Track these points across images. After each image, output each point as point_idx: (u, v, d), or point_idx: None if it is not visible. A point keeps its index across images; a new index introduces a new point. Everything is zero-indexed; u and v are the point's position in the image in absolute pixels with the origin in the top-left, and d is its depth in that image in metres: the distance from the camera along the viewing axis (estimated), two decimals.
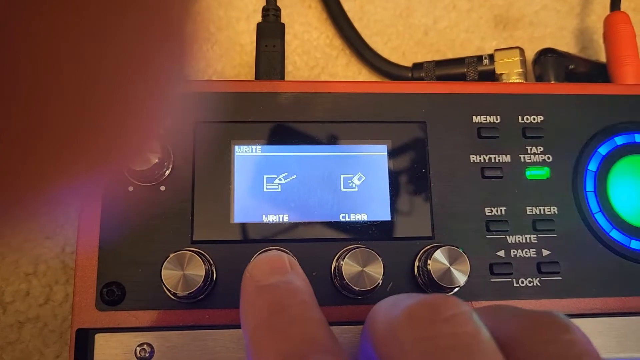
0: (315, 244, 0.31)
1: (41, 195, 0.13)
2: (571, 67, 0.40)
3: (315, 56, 0.44)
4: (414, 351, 0.19)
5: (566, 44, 0.46)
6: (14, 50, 0.10)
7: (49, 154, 0.12)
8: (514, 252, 0.32)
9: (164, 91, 0.14)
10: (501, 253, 0.32)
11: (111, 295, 0.29)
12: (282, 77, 0.37)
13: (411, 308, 0.20)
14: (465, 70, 0.40)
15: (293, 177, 0.32)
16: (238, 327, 0.29)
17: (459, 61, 0.40)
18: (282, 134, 0.33)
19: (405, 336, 0.20)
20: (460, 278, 0.29)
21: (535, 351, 0.20)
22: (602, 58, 0.42)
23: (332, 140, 0.33)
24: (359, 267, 0.29)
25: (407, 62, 0.43)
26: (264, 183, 0.32)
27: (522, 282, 0.32)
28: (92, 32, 0.11)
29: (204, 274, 0.28)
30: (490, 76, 0.40)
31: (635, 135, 0.34)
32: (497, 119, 0.34)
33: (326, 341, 0.21)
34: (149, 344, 0.29)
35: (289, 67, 0.43)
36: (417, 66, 0.41)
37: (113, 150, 0.14)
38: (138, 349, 0.29)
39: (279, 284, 0.23)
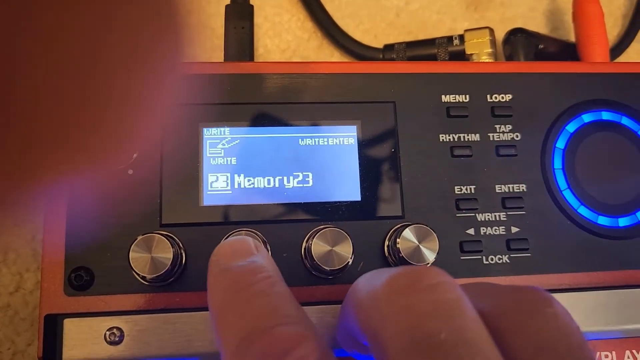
0: (285, 226, 0.31)
1: (40, 186, 0.13)
2: (541, 46, 0.40)
3: (286, 39, 0.44)
4: (395, 319, 0.19)
5: (537, 25, 0.47)
6: (12, 49, 0.10)
7: (48, 146, 0.12)
8: (483, 229, 0.32)
9: (164, 79, 0.14)
10: (471, 231, 0.32)
11: (79, 280, 0.29)
12: (252, 59, 0.36)
13: (392, 277, 0.20)
14: (436, 51, 0.40)
15: (262, 158, 0.32)
16: (207, 309, 0.29)
17: (430, 42, 0.40)
18: (251, 116, 0.32)
19: (386, 305, 0.20)
20: (430, 255, 0.29)
21: (517, 323, 0.20)
22: (573, 38, 0.42)
23: (302, 121, 0.33)
24: (328, 246, 0.29)
25: (379, 44, 0.43)
26: (233, 165, 0.32)
27: (492, 259, 0.32)
28: (91, 27, 0.11)
29: (172, 256, 0.28)
30: (461, 57, 0.40)
31: (603, 112, 0.35)
32: (466, 98, 0.34)
33: (291, 312, 0.21)
34: (118, 328, 0.29)
35: (260, 50, 0.43)
36: (388, 48, 0.41)
37: (119, 143, 0.14)
38: (107, 333, 0.28)
39: (242, 264, 0.23)
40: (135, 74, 0.13)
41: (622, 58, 0.45)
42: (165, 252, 0.28)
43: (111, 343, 0.28)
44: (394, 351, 0.19)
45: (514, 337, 0.19)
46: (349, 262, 0.29)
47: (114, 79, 0.12)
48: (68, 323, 0.28)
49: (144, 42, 0.13)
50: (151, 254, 0.28)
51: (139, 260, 0.28)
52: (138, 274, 0.28)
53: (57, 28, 0.11)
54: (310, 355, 0.20)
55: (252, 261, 0.24)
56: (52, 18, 0.11)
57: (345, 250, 0.29)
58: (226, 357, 0.21)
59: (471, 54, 0.39)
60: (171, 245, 0.28)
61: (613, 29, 0.47)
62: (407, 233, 0.29)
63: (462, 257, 0.32)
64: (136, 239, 0.28)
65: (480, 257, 0.32)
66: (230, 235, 0.30)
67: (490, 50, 0.39)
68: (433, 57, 0.40)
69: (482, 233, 0.32)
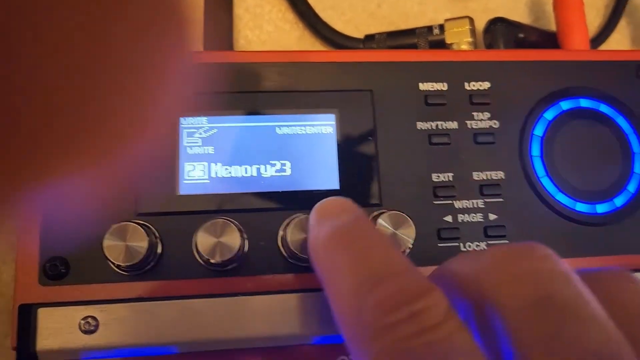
0: (263, 214, 0.31)
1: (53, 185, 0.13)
2: (521, 35, 0.40)
3: (267, 30, 0.43)
4: (513, 283, 0.20)
5: (520, 15, 0.47)
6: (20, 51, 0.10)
7: (58, 148, 0.12)
8: (461, 217, 0.32)
9: (176, 69, 0.14)
10: (448, 218, 0.32)
11: (54, 270, 0.29)
12: (231, 48, 0.36)
13: (504, 249, 0.22)
14: (416, 40, 0.40)
15: (240, 147, 0.32)
16: (184, 297, 0.29)
17: (410, 32, 0.40)
18: (229, 105, 0.32)
19: (501, 273, 0.20)
20: (406, 242, 0.29)
21: (612, 295, 0.21)
22: (554, 28, 0.42)
23: (280, 110, 0.33)
24: (303, 234, 0.29)
25: (361, 35, 0.43)
26: (210, 154, 0.32)
27: (470, 246, 0.32)
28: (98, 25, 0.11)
29: (147, 245, 0.28)
30: (441, 46, 0.40)
31: (581, 100, 0.35)
32: (444, 86, 0.34)
33: (411, 265, 0.22)
34: (93, 317, 0.28)
35: (240, 42, 0.43)
36: (369, 38, 0.41)
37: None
38: (82, 322, 0.28)
39: (352, 218, 0.24)
40: (147, 67, 0.13)
41: (603, 48, 0.46)
42: (139, 241, 0.28)
43: (86, 332, 0.28)
44: (512, 313, 0.19)
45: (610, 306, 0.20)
46: None
47: (124, 74, 0.12)
48: (42, 312, 0.28)
49: (152, 34, 0.13)
50: (126, 243, 0.28)
51: (113, 248, 0.28)
52: (113, 263, 0.28)
53: (60, 28, 0.11)
54: (439, 305, 0.20)
55: (360, 215, 0.24)
56: (55, 19, 0.11)
57: None
58: (342, 304, 0.21)
59: (451, 44, 0.39)
60: (146, 233, 0.28)
61: (595, 19, 0.47)
62: (383, 220, 0.29)
63: (439, 245, 0.32)
64: (111, 227, 0.28)
65: (457, 244, 0.32)
66: (205, 223, 0.29)
67: (470, 39, 0.39)
68: (413, 47, 0.40)
69: (459, 220, 0.32)
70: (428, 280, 0.21)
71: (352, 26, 0.44)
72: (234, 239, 0.28)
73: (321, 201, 0.26)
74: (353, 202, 0.25)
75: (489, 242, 0.32)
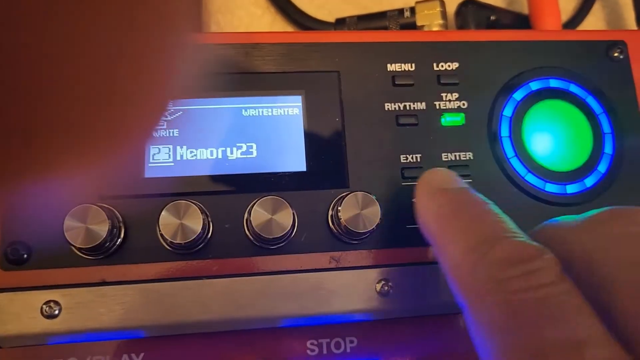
0: (228, 197, 0.31)
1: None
2: (493, 17, 0.40)
3: (239, 15, 0.43)
4: (620, 243, 0.22)
5: None
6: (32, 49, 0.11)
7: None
8: None
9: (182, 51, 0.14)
10: None
11: (15, 255, 0.29)
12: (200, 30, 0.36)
13: (607, 214, 0.23)
14: (387, 23, 0.40)
15: (205, 130, 0.32)
16: (147, 281, 0.29)
17: (381, 15, 0.40)
18: (194, 86, 0.32)
19: (607, 236, 0.22)
20: (371, 222, 0.29)
21: None
22: (527, 11, 0.42)
23: (246, 92, 0.32)
24: (268, 214, 0.29)
25: (334, 20, 0.43)
26: (175, 137, 0.31)
27: None
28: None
29: (108, 228, 0.28)
30: (412, 29, 0.39)
31: (550, 80, 0.35)
32: (411, 67, 0.33)
33: (513, 226, 0.23)
34: (55, 302, 0.28)
35: (212, 27, 0.42)
36: (340, 21, 0.41)
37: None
38: (44, 306, 0.28)
39: (462, 187, 0.26)
40: (157, 48, 0.13)
41: None
42: (100, 223, 0.28)
43: (48, 317, 0.28)
44: (619, 272, 0.21)
45: None
46: (289, 230, 0.29)
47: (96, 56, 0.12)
48: (3, 298, 0.28)
49: (164, 14, 0.13)
50: (86, 225, 0.27)
51: (74, 231, 0.27)
52: (74, 246, 0.28)
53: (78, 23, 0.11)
54: (551, 266, 0.21)
55: (466, 185, 0.27)
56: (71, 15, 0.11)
57: (286, 219, 0.29)
58: (457, 264, 0.23)
59: (422, 26, 0.39)
60: (107, 216, 0.28)
61: (569, 3, 0.47)
62: (349, 201, 0.29)
63: (407, 226, 0.31)
64: (71, 210, 0.28)
65: None
66: (168, 205, 0.29)
67: (441, 21, 0.39)
68: (385, 30, 0.40)
69: None
70: (540, 244, 0.22)
71: (326, 11, 0.44)
72: (196, 221, 0.28)
73: (426, 173, 0.28)
74: (456, 174, 0.28)
75: None
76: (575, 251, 0.23)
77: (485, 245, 0.22)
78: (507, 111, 0.34)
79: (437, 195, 0.26)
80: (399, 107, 0.33)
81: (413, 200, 0.28)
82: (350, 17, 0.41)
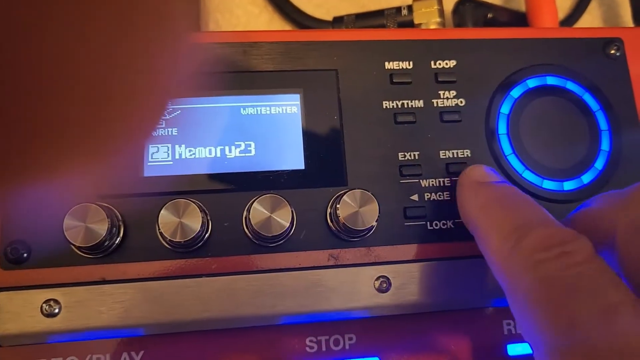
0: (227, 195, 0.31)
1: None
2: (490, 15, 0.40)
3: (237, 14, 0.43)
4: None
5: None
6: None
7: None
8: (427, 195, 0.32)
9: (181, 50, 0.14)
10: (415, 197, 0.32)
11: (15, 254, 0.29)
12: (198, 30, 0.36)
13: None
14: (385, 22, 0.40)
15: (204, 128, 0.32)
16: (147, 280, 0.29)
17: (378, 13, 0.40)
18: (193, 86, 0.32)
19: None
20: (369, 220, 0.29)
21: None
22: (524, 8, 0.42)
23: (244, 91, 0.32)
24: (267, 212, 0.29)
25: (331, 18, 0.43)
26: (174, 136, 0.31)
27: (437, 225, 0.32)
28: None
29: (107, 226, 0.28)
30: (410, 27, 0.39)
31: (547, 77, 0.35)
32: (409, 65, 0.34)
33: (549, 215, 0.26)
34: (55, 300, 0.28)
35: (210, 26, 0.42)
36: (338, 20, 0.41)
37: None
38: (44, 305, 0.28)
39: (501, 181, 0.29)
40: (156, 48, 0.13)
41: None
42: (100, 222, 0.28)
43: (48, 315, 0.28)
44: None
45: None
46: (288, 228, 0.29)
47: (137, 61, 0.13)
48: (3, 297, 0.28)
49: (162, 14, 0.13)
50: (85, 224, 0.28)
51: (73, 230, 0.27)
52: (74, 245, 0.28)
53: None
54: (586, 248, 0.23)
55: (505, 180, 0.30)
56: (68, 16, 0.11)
57: (284, 217, 0.29)
58: (498, 248, 0.25)
59: (419, 24, 0.39)
60: (107, 215, 0.28)
61: (565, 1, 0.47)
62: (347, 198, 0.29)
63: (406, 223, 0.31)
64: (71, 209, 0.28)
65: (424, 222, 0.32)
66: (167, 203, 0.29)
67: (438, 19, 0.39)
68: (382, 28, 0.40)
69: (426, 199, 0.32)
70: (574, 231, 0.24)
71: (323, 10, 0.44)
72: (195, 219, 0.28)
73: (468, 169, 0.30)
74: (495, 170, 0.31)
75: (457, 220, 0.32)
76: (619, 224, 0.25)
77: (521, 232, 0.25)
78: (505, 108, 0.34)
79: (479, 189, 0.29)
80: (397, 105, 0.33)
81: (456, 193, 0.31)
82: (348, 16, 0.41)
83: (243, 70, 0.32)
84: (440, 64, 0.34)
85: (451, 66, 0.34)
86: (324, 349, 0.31)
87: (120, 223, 0.29)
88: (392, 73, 0.33)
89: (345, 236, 0.30)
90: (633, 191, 0.26)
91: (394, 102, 0.33)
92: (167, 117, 0.32)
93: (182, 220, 0.28)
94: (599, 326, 0.21)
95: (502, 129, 0.34)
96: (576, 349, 0.21)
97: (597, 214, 0.27)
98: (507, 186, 0.29)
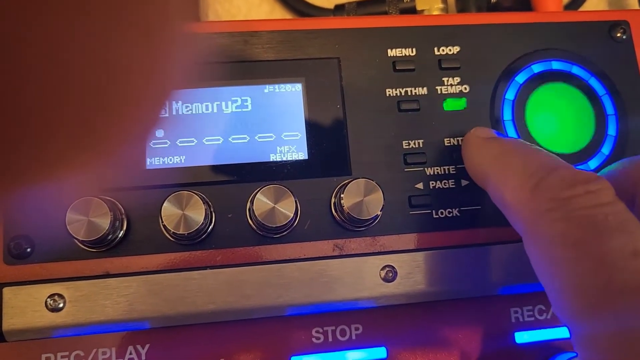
0: (230, 186, 0.31)
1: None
2: (493, 0, 0.39)
3: (237, 4, 0.43)
4: None
5: None
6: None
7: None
8: (432, 183, 0.32)
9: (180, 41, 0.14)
10: (420, 185, 0.32)
11: (19, 249, 0.29)
12: (197, 20, 0.35)
13: None
14: (387, 8, 0.39)
15: (208, 119, 0.31)
16: (151, 273, 0.29)
17: (380, 0, 0.40)
18: (194, 77, 0.32)
19: None
20: (374, 209, 0.29)
21: None
22: None
23: (247, 80, 0.32)
24: (270, 203, 0.28)
25: (332, 6, 0.42)
26: (178, 126, 0.31)
27: (442, 213, 0.31)
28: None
29: (110, 220, 0.28)
30: (412, 13, 0.39)
31: (553, 62, 0.34)
32: (412, 52, 0.33)
33: (564, 162, 0.25)
34: (59, 295, 0.28)
35: (210, 16, 0.42)
36: (339, 8, 0.40)
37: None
38: (49, 300, 0.28)
39: (505, 136, 0.30)
40: (153, 42, 0.13)
41: None
42: (102, 216, 0.27)
43: (52, 310, 0.28)
44: None
45: None
46: (292, 218, 0.29)
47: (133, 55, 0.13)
48: (7, 292, 0.28)
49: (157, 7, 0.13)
50: (88, 217, 0.27)
51: (76, 224, 0.27)
52: (77, 239, 0.28)
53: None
54: (610, 189, 0.23)
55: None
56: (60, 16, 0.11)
57: (288, 207, 0.29)
58: (517, 192, 0.25)
59: (422, 10, 0.38)
60: (109, 208, 0.28)
61: None
62: (351, 188, 0.29)
63: (411, 212, 0.31)
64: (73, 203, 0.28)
65: (429, 211, 0.31)
66: (170, 195, 0.29)
67: (441, 5, 0.38)
68: (384, 15, 0.39)
69: (431, 187, 0.32)
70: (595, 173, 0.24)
71: None
72: (199, 211, 0.28)
73: (472, 130, 0.30)
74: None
75: (462, 208, 0.31)
76: (628, 183, 0.25)
77: (544, 171, 0.24)
78: (510, 94, 0.33)
79: (490, 142, 0.28)
80: (400, 92, 0.32)
81: (461, 153, 0.30)
82: (349, 3, 0.40)
83: (244, 60, 0.32)
84: (443, 50, 0.33)
85: (455, 52, 0.33)
86: (330, 339, 0.31)
87: (123, 216, 0.29)
88: (395, 60, 0.33)
89: (350, 226, 0.30)
90: None
91: (398, 89, 0.33)
92: (170, 109, 0.31)
93: (186, 213, 0.28)
94: (631, 265, 0.21)
95: (507, 115, 0.33)
96: (608, 287, 0.21)
97: (621, 174, 0.27)
98: (520, 139, 0.29)
